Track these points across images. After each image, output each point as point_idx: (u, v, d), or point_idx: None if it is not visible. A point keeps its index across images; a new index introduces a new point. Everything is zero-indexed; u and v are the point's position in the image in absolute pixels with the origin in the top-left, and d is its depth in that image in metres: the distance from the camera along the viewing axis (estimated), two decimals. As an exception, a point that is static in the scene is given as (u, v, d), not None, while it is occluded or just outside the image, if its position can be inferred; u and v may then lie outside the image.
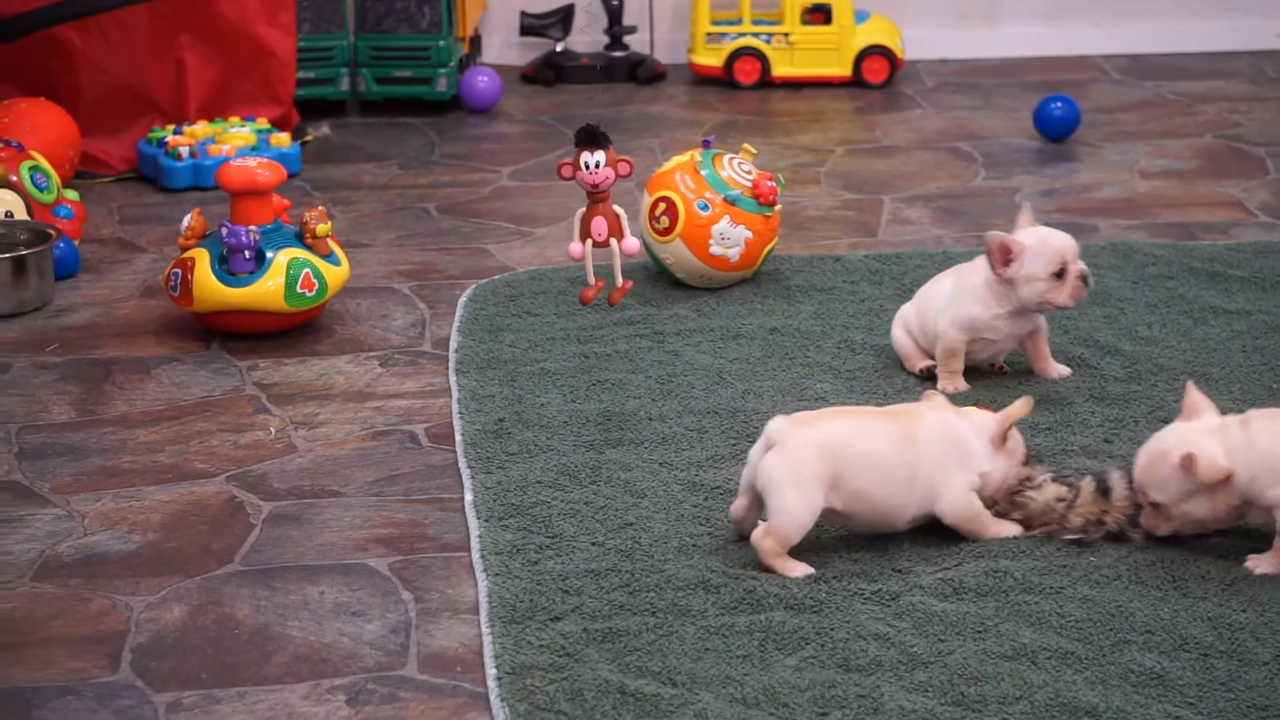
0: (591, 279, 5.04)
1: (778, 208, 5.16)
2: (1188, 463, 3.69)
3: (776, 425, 3.75)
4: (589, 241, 5.02)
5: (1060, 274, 4.39)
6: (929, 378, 4.55)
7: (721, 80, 7.15)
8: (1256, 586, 3.65)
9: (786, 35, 7.09)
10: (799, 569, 3.73)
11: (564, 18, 7.25)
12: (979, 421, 3.88)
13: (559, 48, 7.25)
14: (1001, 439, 3.85)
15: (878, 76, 7.08)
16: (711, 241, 5.08)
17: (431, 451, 4.31)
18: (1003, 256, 4.41)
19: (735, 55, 7.10)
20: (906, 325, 4.63)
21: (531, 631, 3.53)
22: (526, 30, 7.29)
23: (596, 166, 4.96)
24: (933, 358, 4.59)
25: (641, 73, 7.22)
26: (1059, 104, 6.42)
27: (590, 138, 4.98)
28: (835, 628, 3.52)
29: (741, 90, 7.09)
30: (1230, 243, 5.42)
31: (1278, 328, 4.81)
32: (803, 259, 5.35)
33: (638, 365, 4.68)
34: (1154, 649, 3.45)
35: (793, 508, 3.70)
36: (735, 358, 4.73)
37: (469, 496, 4.06)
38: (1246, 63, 7.28)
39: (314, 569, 3.82)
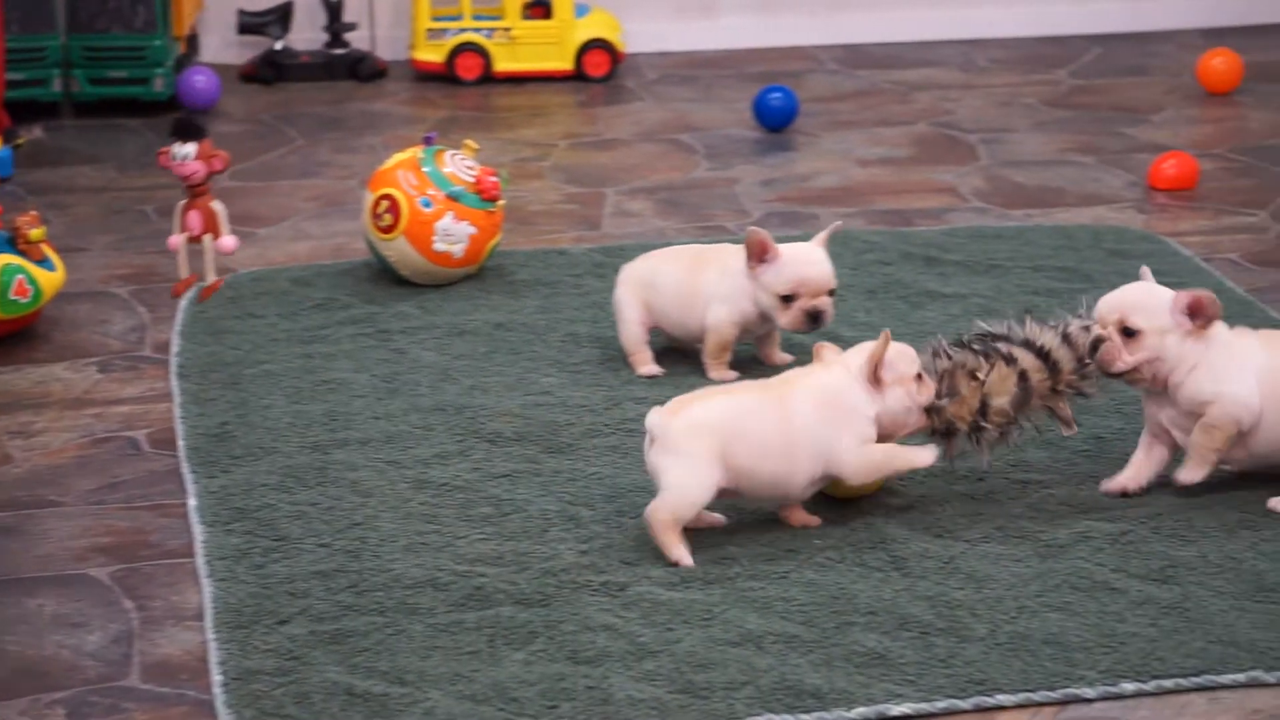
0: (184, 272, 5.01)
1: (501, 203, 5.16)
2: (1185, 301, 3.91)
3: (653, 420, 3.76)
4: (184, 235, 5.01)
5: (790, 299, 4.45)
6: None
7: (443, 76, 7.13)
8: (974, 564, 3.73)
9: (508, 30, 7.09)
10: (680, 553, 3.74)
11: (283, 15, 7.18)
12: (854, 367, 3.88)
13: (278, 46, 7.17)
14: (875, 379, 3.87)
15: (599, 70, 7.11)
16: (435, 238, 5.06)
17: (153, 457, 4.25)
18: (759, 254, 4.46)
19: (457, 51, 7.08)
20: (646, 306, 4.63)
21: (258, 636, 3.49)
22: (245, 29, 7.21)
23: (185, 159, 4.93)
24: (681, 346, 4.63)
25: (363, 70, 7.17)
26: (777, 94, 6.50)
27: (182, 129, 4.94)
28: (564, 620, 3.54)
29: (463, 86, 7.08)
30: (945, 228, 5.53)
31: (991, 310, 4.91)
32: (527, 253, 5.36)
33: (363, 364, 4.65)
34: (876, 629, 3.52)
35: (682, 481, 3.74)
36: (461, 354, 4.72)
37: (192, 502, 4.01)
38: (957, 51, 7.43)
39: (32, 581, 3.74)
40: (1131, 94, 6.84)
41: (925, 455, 3.90)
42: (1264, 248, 5.37)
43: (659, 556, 3.75)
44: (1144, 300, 3.96)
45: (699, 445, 3.75)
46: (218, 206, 4.96)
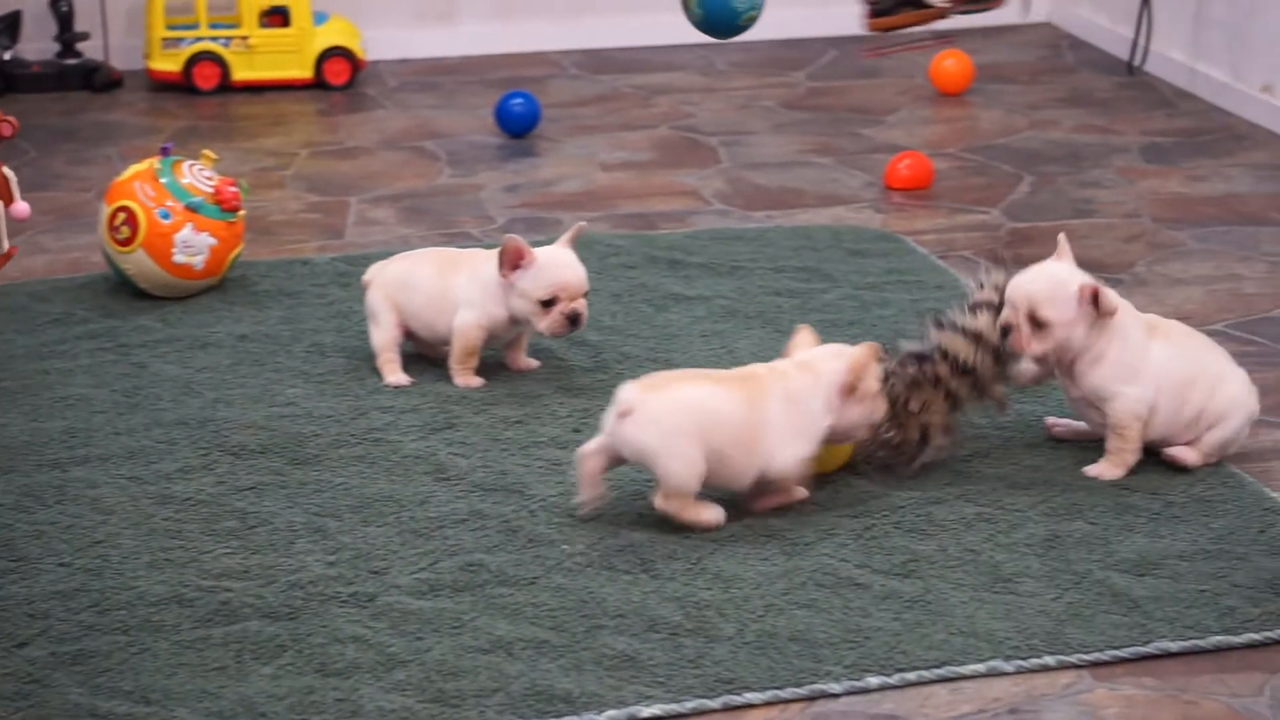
0: None
1: (241, 213, 5.10)
2: (1090, 293, 4.03)
3: (629, 393, 3.81)
4: None
5: (550, 304, 4.46)
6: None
7: (180, 86, 7.03)
8: (721, 563, 3.76)
9: (245, 39, 7.01)
10: (709, 515, 3.88)
11: (10, 25, 7.03)
12: (826, 374, 3.93)
13: (7, 56, 7.02)
14: (850, 389, 3.92)
15: (339, 78, 7.06)
16: (175, 250, 4.99)
17: (-115, 480, 4.14)
18: (513, 261, 4.46)
19: (193, 60, 6.99)
20: (398, 308, 4.60)
21: (-3, 660, 3.42)
22: (-27, 39, 7.05)
23: None
24: (430, 353, 4.63)
25: (97, 80, 7.05)
26: (519, 100, 6.51)
27: None
28: (312, 633, 3.51)
29: (201, 95, 6.99)
30: (688, 230, 5.58)
31: (734, 312, 4.97)
32: (270, 264, 5.31)
33: (102, 379, 4.58)
34: (625, 632, 3.53)
35: (673, 465, 3.82)
36: (204, 367, 4.66)
37: (-74, 525, 3.91)
38: (697, 55, 7.50)
39: None
40: (867, 96, 6.96)
41: (799, 493, 4.01)
42: (996, 244, 5.49)
43: (407, 566, 3.74)
44: (1053, 293, 4.08)
45: (683, 422, 3.82)
46: (8, 172, 4.81)
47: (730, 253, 5.37)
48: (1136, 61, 7.10)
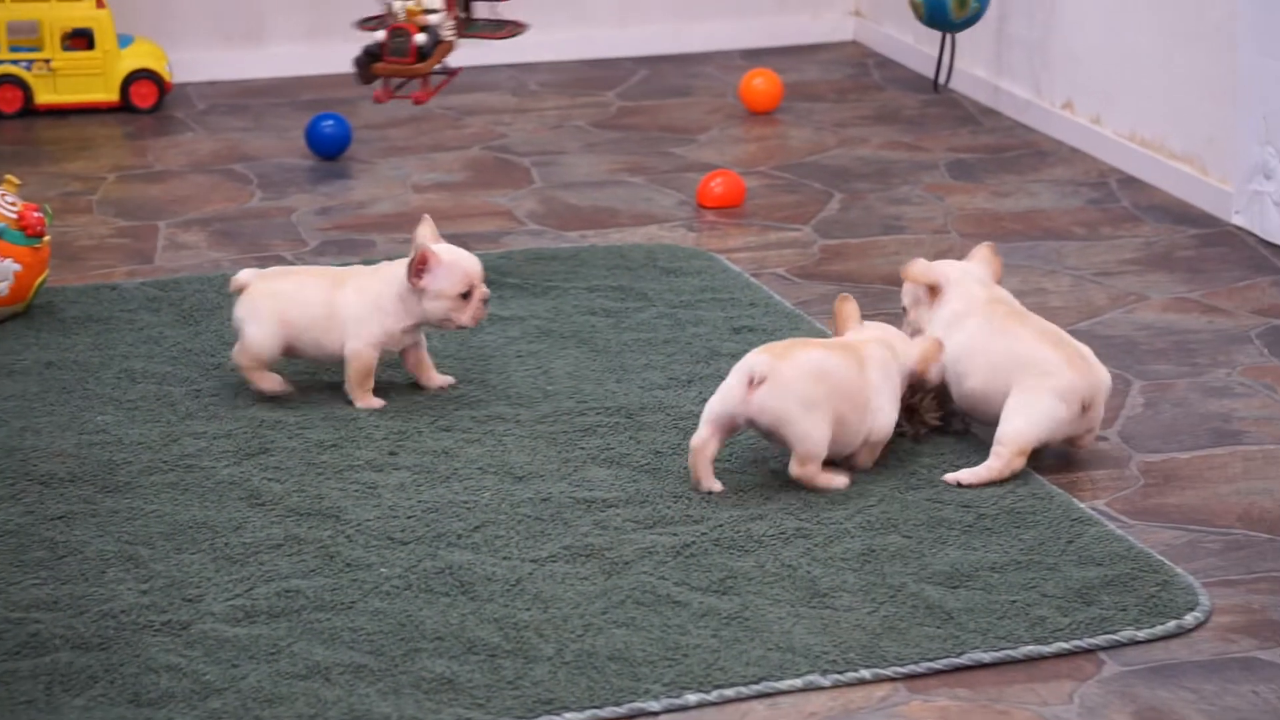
0: None
1: (47, 239, 5.03)
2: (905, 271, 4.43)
3: (760, 361, 4.01)
4: None
5: (467, 295, 4.47)
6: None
7: (-17, 109, 6.92)
8: (540, 584, 3.76)
9: (48, 62, 6.91)
10: (841, 479, 4.13)
11: None
12: (903, 355, 4.22)
13: None
14: (920, 376, 4.24)
15: (146, 101, 6.98)
16: (-22, 277, 4.91)
17: None
18: (422, 266, 4.45)
19: (-4, 83, 6.87)
20: (283, 321, 4.55)
21: None
22: None
23: None
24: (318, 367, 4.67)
25: (-104, 104, 6.91)
26: (330, 122, 6.47)
27: None
28: (125, 663, 3.46)
29: (4, 119, 6.88)
30: (502, 251, 5.57)
31: (549, 331, 4.97)
32: (77, 290, 5.23)
33: (-95, 410, 4.49)
34: (444, 654, 3.52)
35: (811, 430, 4.03)
36: (10, 395, 4.58)
37: None
38: (508, 75, 7.50)
39: None
40: (678, 114, 6.99)
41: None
42: (808, 261, 5.54)
43: (221, 592, 3.70)
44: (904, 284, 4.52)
45: (813, 387, 4.03)
46: None
47: (544, 273, 5.37)
48: (941, 79, 7.20)
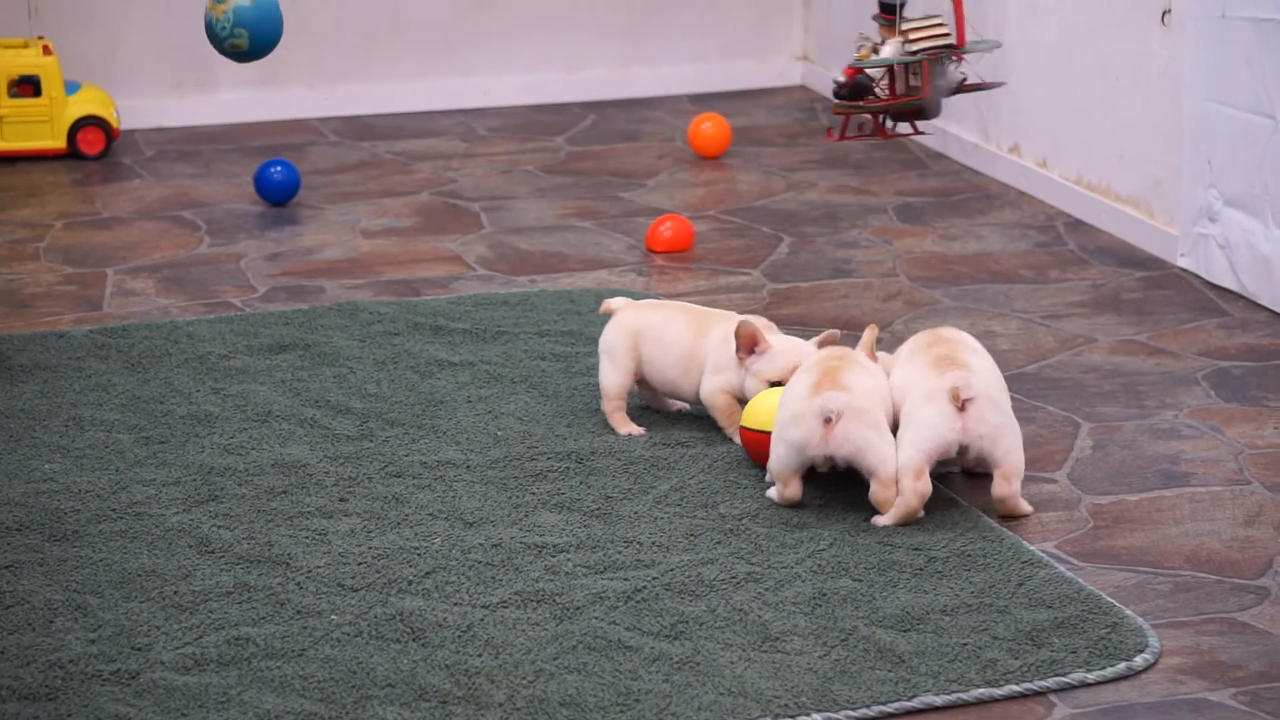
0: None
1: (-6, 286, 5.01)
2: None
3: (837, 399, 4.12)
4: None
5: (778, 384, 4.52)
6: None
7: (-70, 156, 6.89)
8: (492, 630, 3.75)
9: (-4, 108, 6.89)
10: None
11: None
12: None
13: None
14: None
15: (94, 148, 6.96)
16: (-75, 324, 4.89)
17: None
18: (749, 346, 4.49)
19: (-57, 130, 6.85)
20: (637, 358, 4.67)
21: None
22: None
23: None
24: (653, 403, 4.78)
25: None
26: (278, 168, 6.46)
27: None
28: (73, 714, 3.44)
29: (-48, 166, 6.86)
30: (451, 296, 5.57)
31: (499, 376, 4.97)
32: (24, 337, 5.21)
33: None
34: (395, 701, 3.51)
35: (887, 450, 4.15)
36: (-43, 444, 4.56)
37: None
38: (457, 120, 7.50)
39: None
40: (627, 159, 7.01)
41: None
42: (757, 305, 5.55)
43: (171, 641, 3.68)
44: None
45: (879, 412, 4.18)
46: None
47: (494, 318, 5.37)
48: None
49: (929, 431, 4.16)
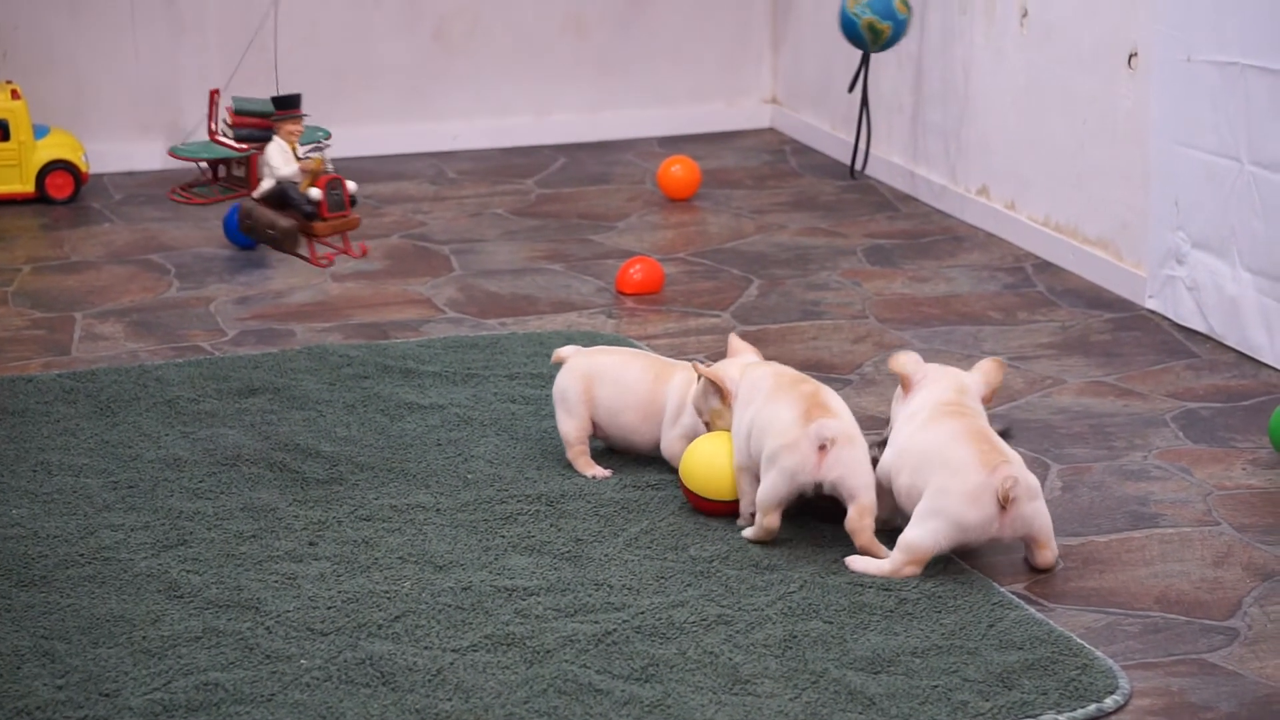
0: None
1: (-38, 330, 5.00)
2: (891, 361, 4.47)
3: (833, 426, 4.14)
4: None
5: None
6: None
7: (-102, 201, 6.88)
8: (462, 674, 3.74)
9: (-36, 152, 6.88)
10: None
11: None
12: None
13: None
14: None
15: (62, 192, 6.95)
16: (-108, 369, 4.87)
17: None
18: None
19: (-89, 174, 6.84)
20: (590, 404, 4.67)
21: None
22: None
23: None
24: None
25: None
26: (248, 212, 6.45)
27: None
28: (41, 760, 3.42)
29: (-80, 210, 6.84)
30: (421, 339, 5.57)
31: (469, 419, 4.96)
32: (-8, 381, 5.20)
33: None
34: (365, 746, 3.50)
35: (870, 474, 4.19)
36: (-76, 489, 4.54)
37: None
38: (427, 164, 7.51)
39: None
40: (597, 201, 7.02)
41: None
42: (725, 350, 5.55)
43: (139, 686, 3.66)
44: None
45: (860, 440, 4.21)
46: None
47: (464, 361, 5.37)
48: (858, 166, 7.25)
49: (950, 530, 4.16)
